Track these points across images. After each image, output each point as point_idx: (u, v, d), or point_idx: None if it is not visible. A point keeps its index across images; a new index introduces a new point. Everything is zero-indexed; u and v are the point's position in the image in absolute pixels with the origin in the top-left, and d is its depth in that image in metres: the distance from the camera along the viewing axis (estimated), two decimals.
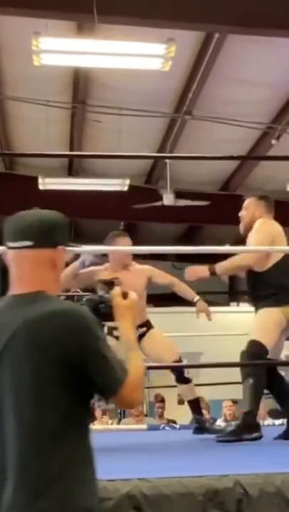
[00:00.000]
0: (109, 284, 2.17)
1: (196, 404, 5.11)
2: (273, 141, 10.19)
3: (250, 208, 4.76)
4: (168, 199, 11.00)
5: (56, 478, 1.84)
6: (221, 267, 4.62)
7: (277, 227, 4.68)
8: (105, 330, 2.09)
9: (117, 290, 2.14)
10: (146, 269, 5.09)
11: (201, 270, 4.66)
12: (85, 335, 1.91)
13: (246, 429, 4.38)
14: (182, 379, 5.06)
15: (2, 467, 1.87)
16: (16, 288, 2.01)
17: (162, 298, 7.35)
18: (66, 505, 1.82)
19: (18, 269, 2.00)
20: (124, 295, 2.13)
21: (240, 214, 4.80)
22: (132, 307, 2.12)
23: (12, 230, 2.01)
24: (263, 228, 4.64)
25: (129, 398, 1.97)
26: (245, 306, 8.94)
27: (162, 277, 5.10)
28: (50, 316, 1.91)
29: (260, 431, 4.42)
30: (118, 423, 9.14)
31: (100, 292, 2.17)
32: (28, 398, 1.88)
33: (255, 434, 4.36)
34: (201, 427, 5.04)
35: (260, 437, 4.37)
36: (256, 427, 4.43)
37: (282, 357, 10.01)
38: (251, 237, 4.67)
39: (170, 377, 5.27)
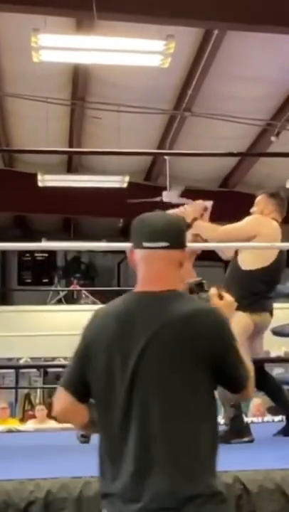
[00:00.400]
0: (199, 285, 2.27)
1: None
2: (273, 138, 10.16)
3: (260, 204, 4.68)
4: (167, 196, 10.97)
5: (201, 469, 1.99)
6: (201, 226, 4.50)
7: (267, 228, 4.53)
8: None
9: (214, 290, 2.26)
10: None
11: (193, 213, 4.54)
12: (225, 333, 2.06)
13: (236, 434, 4.26)
14: None
15: (147, 458, 1.96)
16: (145, 285, 2.11)
17: None
18: (210, 491, 1.98)
19: (150, 268, 2.11)
20: (220, 296, 2.25)
21: (251, 210, 4.70)
22: (227, 307, 2.24)
23: (148, 231, 2.12)
24: (250, 222, 4.56)
25: (250, 391, 2.14)
26: None
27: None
28: (194, 315, 2.04)
29: (251, 434, 4.30)
30: None
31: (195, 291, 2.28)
32: (175, 397, 1.97)
33: (245, 439, 4.26)
34: None
35: (251, 441, 4.26)
36: (246, 431, 4.32)
37: (282, 354, 10.03)
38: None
39: None
